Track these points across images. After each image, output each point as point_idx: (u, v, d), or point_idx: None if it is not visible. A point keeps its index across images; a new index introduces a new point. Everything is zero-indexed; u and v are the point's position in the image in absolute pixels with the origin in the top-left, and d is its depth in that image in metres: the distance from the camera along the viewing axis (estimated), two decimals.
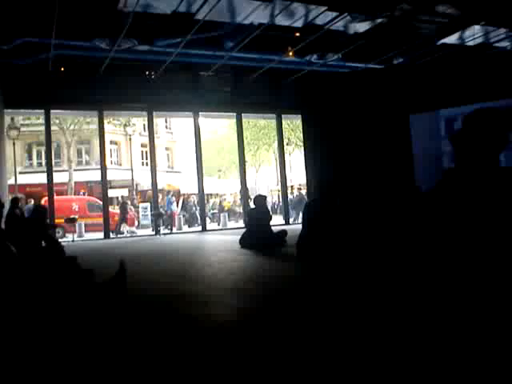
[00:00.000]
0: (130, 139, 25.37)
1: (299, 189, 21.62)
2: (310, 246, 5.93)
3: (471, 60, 11.08)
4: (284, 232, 8.06)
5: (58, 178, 25.27)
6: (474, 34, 11.37)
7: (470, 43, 11.96)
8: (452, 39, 11.71)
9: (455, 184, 3.60)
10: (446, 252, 3.32)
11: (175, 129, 33.49)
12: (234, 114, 15.49)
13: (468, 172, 3.17)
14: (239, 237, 8.13)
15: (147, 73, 13.74)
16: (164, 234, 14.57)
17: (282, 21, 10.55)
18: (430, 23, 11.52)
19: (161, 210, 15.58)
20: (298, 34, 11.58)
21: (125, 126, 25.80)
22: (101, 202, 16.15)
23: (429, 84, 8.03)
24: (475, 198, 3.13)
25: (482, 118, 3.08)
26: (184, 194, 24.96)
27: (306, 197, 17.41)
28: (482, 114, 3.12)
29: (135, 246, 10.81)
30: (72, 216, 14.91)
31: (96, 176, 18.21)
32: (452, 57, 12.65)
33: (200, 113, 15.06)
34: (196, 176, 15.18)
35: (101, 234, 14.10)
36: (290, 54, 12.30)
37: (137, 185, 26.45)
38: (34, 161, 28.20)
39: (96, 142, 18.32)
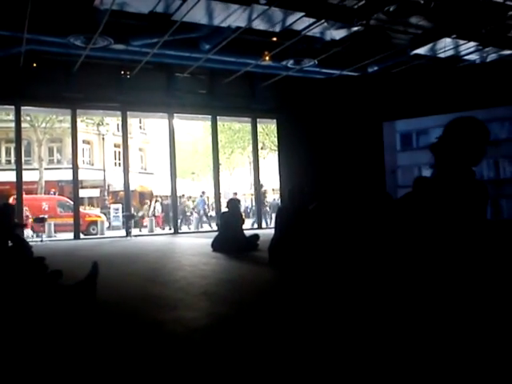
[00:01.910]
0: (103, 139, 25.04)
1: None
2: (282, 251, 5.95)
3: (442, 71, 11.34)
4: (256, 236, 8.07)
5: (27, 176, 24.79)
6: (445, 47, 11.65)
7: (442, 55, 12.25)
8: (424, 50, 11.97)
9: (428, 192, 3.66)
10: (417, 255, 3.38)
11: (149, 129, 33.19)
12: (209, 116, 15.45)
13: (444, 181, 3.23)
14: (211, 240, 8.09)
15: (122, 72, 13.58)
16: (135, 235, 14.40)
17: (259, 25, 10.59)
18: (404, 34, 11.76)
19: (134, 212, 15.42)
20: (275, 39, 11.65)
21: (98, 125, 25.45)
22: (72, 202, 15.86)
23: (402, 93, 8.21)
24: (447, 207, 3.19)
25: (462, 127, 3.14)
26: (157, 196, 24.73)
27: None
28: (462, 123, 3.18)
29: (106, 247, 10.65)
30: (41, 215, 14.59)
31: (67, 175, 17.90)
32: (424, 67, 12.94)
33: (175, 114, 14.97)
34: (169, 178, 15.06)
35: (71, 235, 13.85)
36: (267, 58, 12.35)
37: (109, 185, 26.10)
38: (3, 158, 27.50)
39: (68, 141, 18.07)
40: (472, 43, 11.63)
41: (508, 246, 3.77)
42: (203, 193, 20.42)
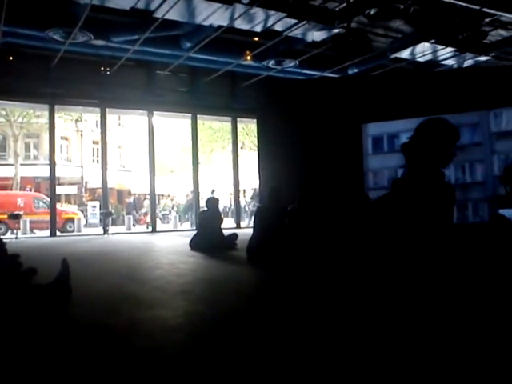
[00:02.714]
0: (82, 135, 24.72)
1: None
2: (261, 250, 5.97)
3: (420, 75, 11.52)
4: (235, 235, 8.08)
5: (2, 172, 24.37)
6: (423, 51, 11.84)
7: (421, 59, 12.44)
8: (404, 54, 12.14)
9: (402, 194, 3.72)
10: (390, 254, 3.43)
11: (128, 127, 32.86)
12: (189, 114, 15.39)
13: (415, 182, 3.29)
14: (189, 239, 8.07)
15: (102, 68, 13.43)
16: (113, 233, 14.26)
17: (241, 24, 10.61)
18: (384, 37, 11.92)
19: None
20: (256, 39, 11.67)
21: (76, 121, 25.10)
22: (48, 199, 15.63)
23: (381, 95, 8.32)
24: (416, 208, 3.25)
25: (432, 127, 3.20)
26: (135, 194, 24.56)
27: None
28: (432, 124, 3.25)
29: (82, 245, 10.53)
30: (16, 212, 14.32)
31: (44, 172, 17.61)
32: (403, 71, 13.13)
33: (154, 112, 14.88)
34: (148, 175, 14.96)
35: (47, 232, 13.65)
36: (248, 57, 12.36)
37: (86, 182, 25.78)
38: None
39: (45, 137, 17.72)
40: (450, 48, 11.85)
41: (471, 249, 3.86)
42: (213, 191, 20.04)
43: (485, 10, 9.66)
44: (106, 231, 13.97)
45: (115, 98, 13.89)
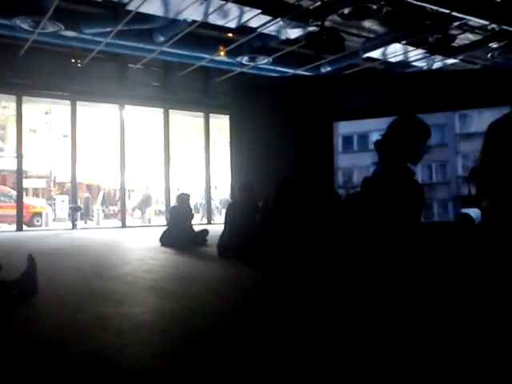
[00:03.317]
0: (51, 128, 24.19)
1: None
2: (231, 246, 5.99)
3: (391, 75, 11.71)
4: (205, 231, 8.07)
5: None
6: (395, 52, 12.04)
7: (392, 60, 12.65)
8: (376, 54, 12.31)
9: (372, 192, 3.78)
10: (362, 249, 3.49)
11: (99, 120, 32.27)
12: (162, 109, 15.26)
13: (385, 181, 3.35)
14: (160, 234, 8.02)
15: (73, 60, 13.17)
16: (81, 228, 14.04)
17: (215, 20, 10.56)
18: (358, 36, 12.06)
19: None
20: (230, 35, 11.64)
21: (46, 113, 24.56)
22: (14, 192, 15.25)
23: (352, 94, 8.44)
24: (387, 206, 3.32)
25: (404, 125, 3.28)
26: (105, 188, 24.21)
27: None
28: (405, 121, 3.32)
29: (50, 240, 10.33)
30: None
31: (11, 165, 17.17)
32: (375, 70, 13.33)
33: (126, 106, 14.69)
34: (119, 170, 14.77)
35: (13, 226, 13.34)
36: (222, 53, 12.32)
37: (55, 176, 25.26)
38: None
39: (12, 129, 17.28)
40: (420, 50, 12.07)
41: (437, 248, 3.97)
42: (179, 189, 19.70)
43: (454, 13, 9.87)
44: (74, 226, 13.75)
45: (86, 91, 13.65)
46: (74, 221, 13.90)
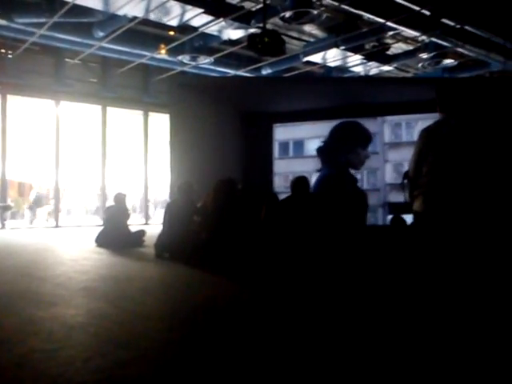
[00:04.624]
0: None
1: None
2: (170, 246, 5.94)
3: (330, 80, 12.02)
4: (142, 232, 7.95)
5: None
6: (334, 57, 12.37)
7: (331, 64, 12.99)
8: (316, 58, 12.58)
9: (311, 195, 3.86)
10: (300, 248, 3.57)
11: (33, 116, 30.90)
12: (100, 106, 14.84)
13: (327, 184, 3.45)
14: (96, 235, 7.82)
15: (3, 51, 12.53)
16: (11, 228, 13.40)
17: (157, 17, 10.39)
18: (298, 40, 12.29)
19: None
20: (172, 33, 11.51)
21: None
22: None
23: (293, 97, 8.59)
24: (332, 211, 3.42)
25: (345, 130, 3.39)
26: (38, 187, 23.17)
27: None
28: (345, 126, 3.44)
29: None
30: None
31: None
32: (315, 74, 13.64)
33: (62, 101, 14.17)
34: (53, 168, 14.23)
35: None
36: (163, 51, 12.16)
37: None
38: None
39: None
40: (358, 56, 12.47)
41: (377, 247, 4.14)
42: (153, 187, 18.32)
43: (389, 23, 10.28)
44: (3, 225, 13.10)
45: (18, 85, 13.02)
46: (2, 220, 13.24)
